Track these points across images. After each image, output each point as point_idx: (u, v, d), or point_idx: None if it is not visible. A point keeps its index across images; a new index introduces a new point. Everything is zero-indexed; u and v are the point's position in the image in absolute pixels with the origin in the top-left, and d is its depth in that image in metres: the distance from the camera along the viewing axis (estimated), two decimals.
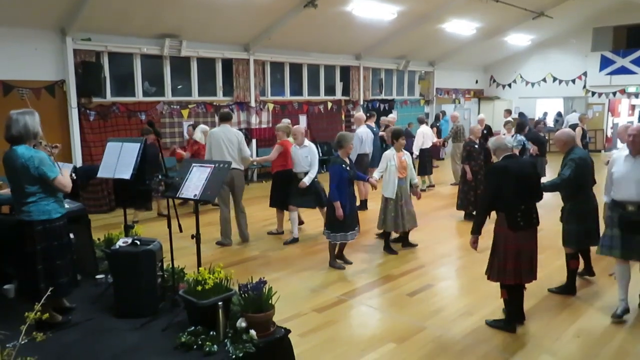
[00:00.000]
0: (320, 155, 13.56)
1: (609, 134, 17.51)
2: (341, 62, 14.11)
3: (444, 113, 16.11)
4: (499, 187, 4.08)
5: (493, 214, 4.28)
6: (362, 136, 8.80)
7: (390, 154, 6.25)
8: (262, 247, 6.76)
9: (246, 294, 3.30)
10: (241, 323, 3.24)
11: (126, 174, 4.12)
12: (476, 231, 4.24)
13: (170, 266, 4.04)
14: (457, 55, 16.56)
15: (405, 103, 16.47)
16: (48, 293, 2.57)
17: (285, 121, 10.05)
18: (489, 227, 4.27)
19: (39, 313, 2.25)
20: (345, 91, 14.50)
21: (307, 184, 6.67)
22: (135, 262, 3.72)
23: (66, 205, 3.79)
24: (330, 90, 14.25)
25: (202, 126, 9.64)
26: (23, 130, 3.42)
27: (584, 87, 17.23)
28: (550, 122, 19.86)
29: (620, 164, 4.37)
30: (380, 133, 10.12)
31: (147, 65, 10.39)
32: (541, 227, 4.36)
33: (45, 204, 3.48)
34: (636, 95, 16.57)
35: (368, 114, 9.75)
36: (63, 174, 3.52)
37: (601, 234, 4.69)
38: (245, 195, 7.09)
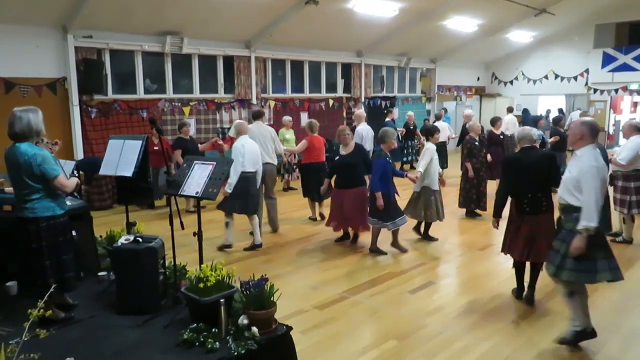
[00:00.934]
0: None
1: (611, 131, 17.48)
2: (342, 59, 14.09)
3: (445, 110, 16.08)
4: (510, 176, 4.59)
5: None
6: (363, 133, 8.81)
7: (433, 148, 6.69)
8: (264, 245, 6.76)
9: (248, 291, 3.31)
10: (243, 320, 3.25)
11: (128, 172, 4.12)
12: (496, 214, 4.73)
13: (172, 263, 4.05)
14: (459, 52, 16.52)
15: (406, 100, 16.44)
16: (52, 289, 2.57)
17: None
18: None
19: (41, 310, 2.26)
20: (347, 88, 14.47)
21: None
22: (137, 260, 3.72)
23: (68, 203, 3.80)
24: (331, 87, 14.24)
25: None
26: (26, 127, 3.42)
27: (586, 84, 17.18)
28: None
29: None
30: (400, 130, 10.25)
31: (148, 62, 10.38)
32: None
33: (49, 200, 3.49)
34: (638, 92, 16.52)
35: (386, 111, 9.95)
36: (66, 177, 3.53)
37: None
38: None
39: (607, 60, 16.35)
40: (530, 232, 4.49)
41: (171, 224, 3.98)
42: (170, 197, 4.11)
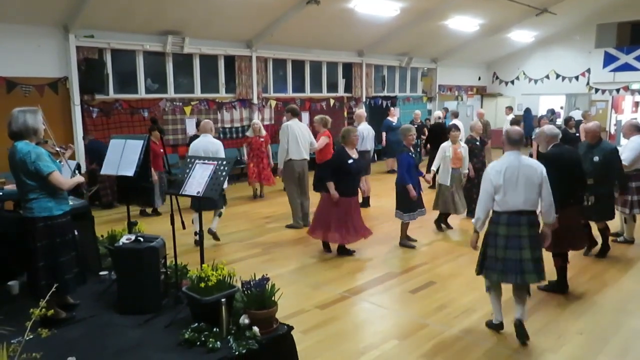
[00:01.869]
0: None
1: (613, 131, 17.44)
2: (343, 58, 14.08)
3: (446, 110, 16.08)
4: (562, 173, 4.64)
5: None
6: (364, 133, 8.81)
7: (446, 145, 7.03)
8: (265, 244, 6.77)
9: (249, 291, 3.31)
10: (244, 320, 3.25)
11: (129, 171, 4.13)
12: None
13: (174, 263, 4.05)
14: (460, 52, 16.51)
15: (407, 100, 16.44)
16: (53, 289, 2.57)
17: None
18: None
19: (43, 309, 2.26)
20: (348, 88, 14.47)
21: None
22: (139, 259, 3.72)
23: (70, 202, 3.80)
24: (332, 87, 14.24)
25: (255, 121, 9.93)
26: (22, 127, 3.45)
27: (588, 84, 17.17)
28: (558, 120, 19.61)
29: None
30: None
31: (149, 62, 10.40)
32: None
33: (47, 200, 3.48)
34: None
35: (387, 110, 10.02)
36: (67, 177, 3.53)
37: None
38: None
39: (608, 60, 16.33)
40: (574, 221, 4.83)
41: (172, 223, 3.99)
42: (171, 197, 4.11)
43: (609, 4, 15.22)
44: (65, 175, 3.64)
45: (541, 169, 3.92)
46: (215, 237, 6.72)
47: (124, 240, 3.83)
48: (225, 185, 6.44)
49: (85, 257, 4.01)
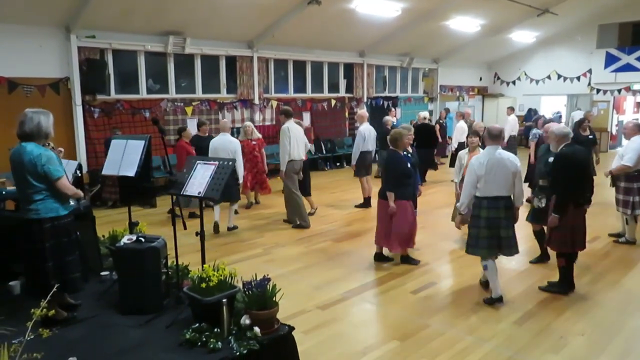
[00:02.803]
0: (324, 152, 13.62)
1: (614, 132, 17.42)
2: (345, 59, 14.09)
3: (447, 110, 16.07)
4: (575, 171, 4.74)
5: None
6: (365, 134, 8.80)
7: (462, 153, 6.62)
8: (266, 244, 6.77)
9: (250, 291, 3.31)
10: (245, 320, 3.25)
11: (131, 171, 4.13)
12: (562, 211, 4.74)
13: (175, 263, 4.05)
14: (461, 53, 16.51)
15: (409, 100, 16.43)
16: (54, 289, 2.57)
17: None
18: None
19: (45, 309, 2.26)
20: (349, 88, 14.48)
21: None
22: (140, 259, 3.72)
23: (71, 203, 3.80)
24: (333, 87, 14.24)
25: (247, 123, 9.07)
26: (35, 128, 3.45)
27: (589, 84, 17.15)
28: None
29: None
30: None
31: (151, 62, 10.41)
32: None
33: (53, 201, 3.49)
34: None
35: (388, 110, 10.01)
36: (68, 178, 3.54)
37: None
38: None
39: (610, 60, 16.32)
40: (579, 223, 4.84)
41: (174, 223, 3.99)
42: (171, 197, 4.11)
43: (610, 4, 15.20)
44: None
45: (517, 162, 4.62)
46: (217, 229, 7.17)
47: (125, 240, 3.82)
48: (241, 179, 7.33)
49: (86, 257, 4.02)
